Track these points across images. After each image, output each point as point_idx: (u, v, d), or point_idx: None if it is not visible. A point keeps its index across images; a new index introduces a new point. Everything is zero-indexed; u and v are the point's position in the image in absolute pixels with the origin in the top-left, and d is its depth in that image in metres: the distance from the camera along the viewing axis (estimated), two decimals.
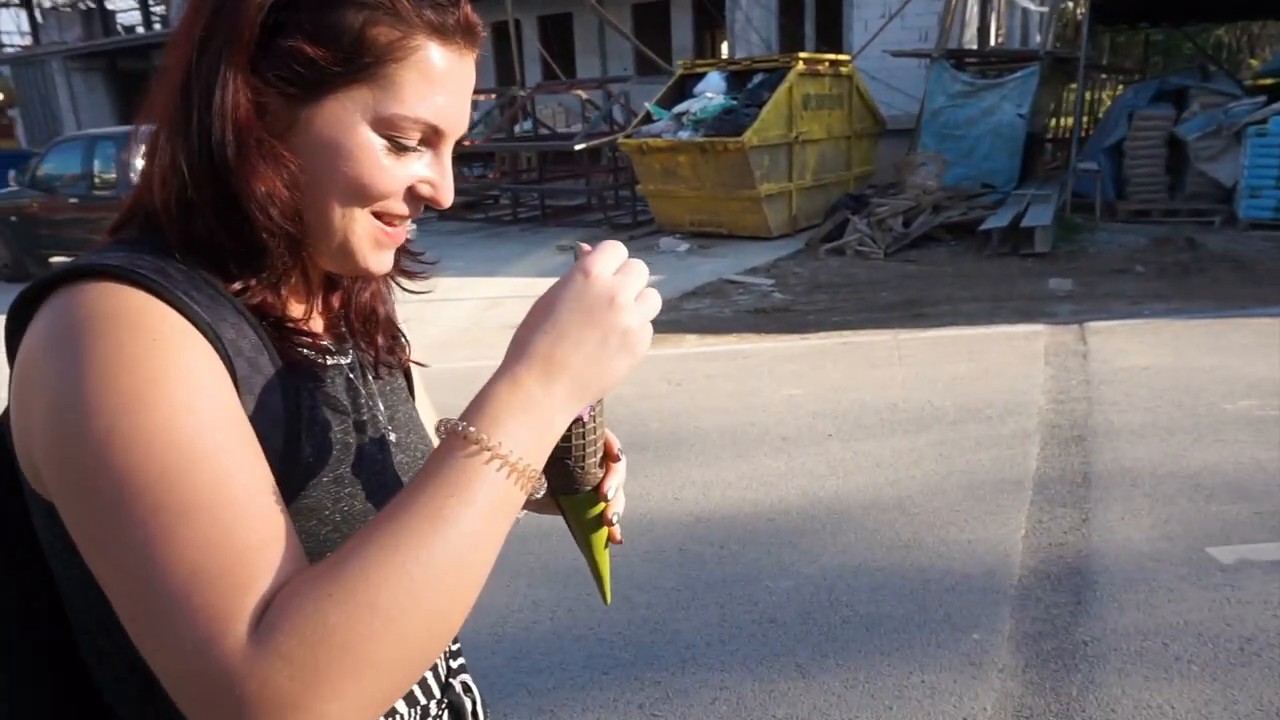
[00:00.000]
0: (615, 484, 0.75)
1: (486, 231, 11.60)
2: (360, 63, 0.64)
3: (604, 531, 0.74)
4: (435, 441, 0.75)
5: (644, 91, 12.54)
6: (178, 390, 0.56)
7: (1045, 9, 14.25)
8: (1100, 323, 5.89)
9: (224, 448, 0.57)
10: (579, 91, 13.36)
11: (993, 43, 14.70)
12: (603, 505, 0.73)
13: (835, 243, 8.98)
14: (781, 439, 4.14)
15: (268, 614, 0.53)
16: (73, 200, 8.86)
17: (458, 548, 0.56)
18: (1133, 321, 5.88)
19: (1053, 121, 14.16)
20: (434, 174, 0.70)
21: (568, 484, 0.70)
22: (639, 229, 10.61)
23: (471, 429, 0.59)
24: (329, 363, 0.73)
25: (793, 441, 4.10)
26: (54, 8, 27.20)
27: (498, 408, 0.60)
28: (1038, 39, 16.41)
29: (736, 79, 10.19)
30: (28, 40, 27.19)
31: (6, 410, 0.65)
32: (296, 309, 0.72)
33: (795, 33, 14.86)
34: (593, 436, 0.69)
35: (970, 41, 13.74)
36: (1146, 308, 6.25)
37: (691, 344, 6.05)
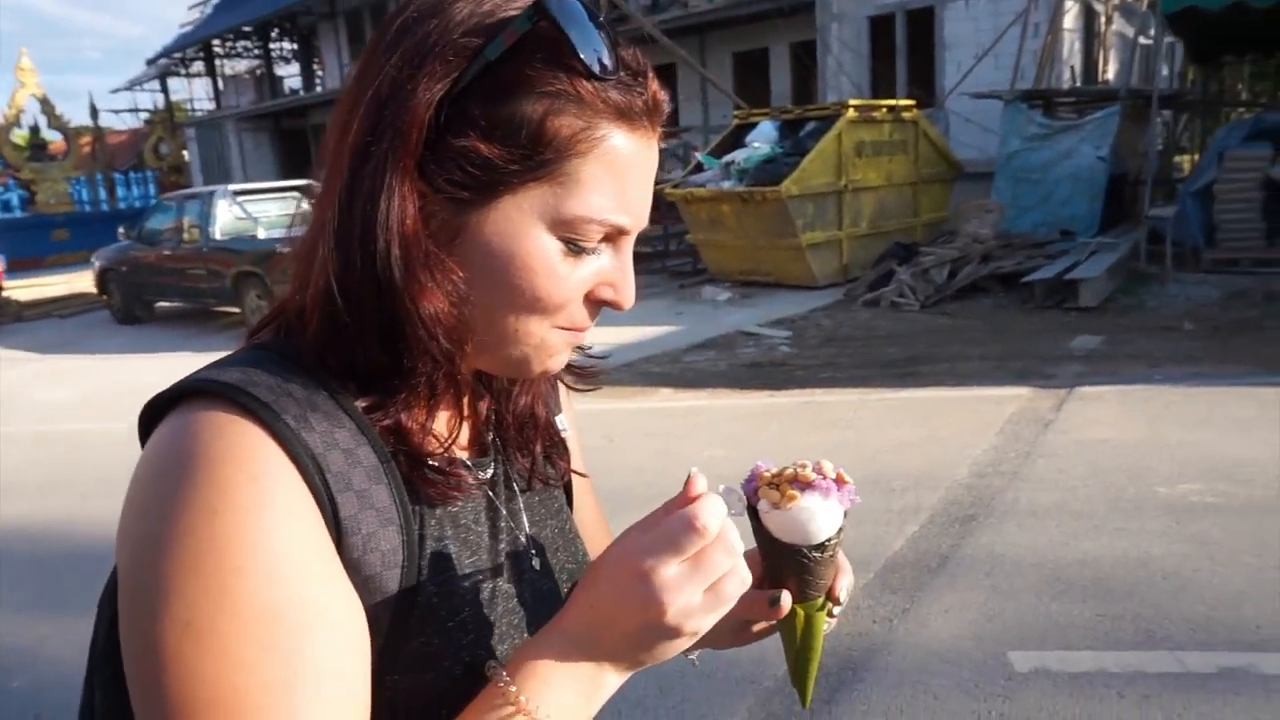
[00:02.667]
0: (846, 585, 0.69)
1: None
2: (539, 159, 0.57)
3: (822, 630, 0.70)
4: (591, 555, 0.79)
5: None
6: (261, 582, 0.52)
7: (1150, 41, 13.26)
8: (1097, 388, 5.41)
9: (305, 651, 0.52)
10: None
11: (1099, 80, 13.79)
12: (827, 607, 0.69)
13: (872, 294, 8.67)
14: (662, 497, 4.06)
15: None
16: (166, 252, 9.90)
17: None
18: (1134, 387, 5.37)
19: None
20: (614, 274, 0.63)
21: (807, 591, 0.67)
22: (692, 277, 10.64)
23: (513, 688, 0.56)
24: (466, 482, 0.65)
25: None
26: (233, 76, 30.44)
27: (546, 671, 0.56)
28: (1164, 72, 15.29)
29: (789, 128, 10.10)
30: (211, 105, 30.51)
31: None
32: (439, 421, 0.66)
33: (887, 76, 14.54)
34: (838, 549, 0.67)
35: (1071, 80, 12.97)
36: (1162, 371, 5.68)
37: (661, 398, 6.03)
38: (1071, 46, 13.07)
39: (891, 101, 10.48)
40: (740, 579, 0.56)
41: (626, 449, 4.93)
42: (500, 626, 0.65)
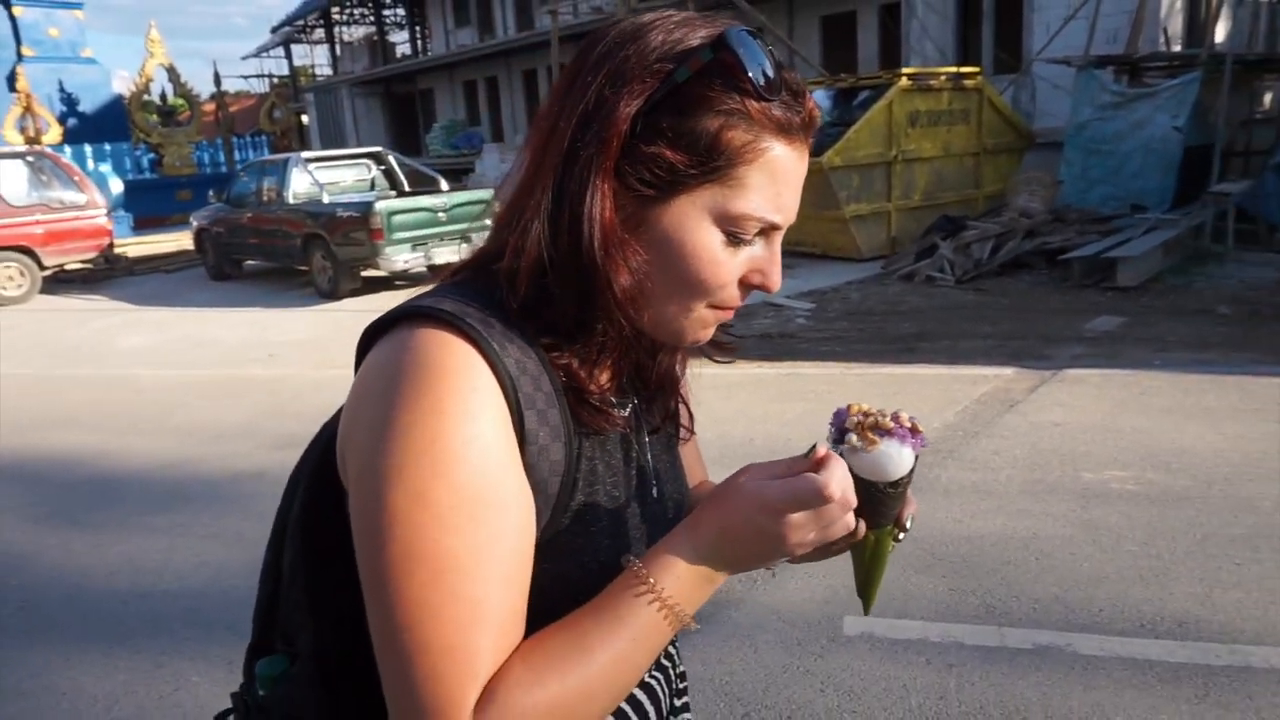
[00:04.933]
0: (911, 514, 0.79)
1: None
2: (713, 165, 0.68)
3: (889, 550, 0.80)
4: (691, 490, 0.95)
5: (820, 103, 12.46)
6: (473, 468, 0.64)
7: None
8: (1086, 371, 5.30)
9: (497, 526, 0.65)
10: None
11: (1206, 44, 12.83)
12: (895, 531, 0.79)
13: (907, 267, 8.56)
14: None
15: (488, 706, 0.63)
16: (249, 215, 10.69)
17: (616, 665, 0.67)
18: (1123, 372, 5.23)
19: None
20: (764, 262, 0.73)
21: (879, 520, 0.76)
22: None
23: (645, 572, 0.68)
24: (616, 418, 0.77)
25: None
26: (349, 42, 31.77)
27: (675, 565, 0.69)
28: None
29: (843, 97, 9.96)
30: (330, 71, 32.00)
31: (336, 416, 0.75)
32: (602, 368, 0.77)
33: (974, 40, 13.98)
34: (907, 485, 0.75)
35: (1165, 44, 12.15)
36: (1164, 357, 5.49)
37: None
38: (1172, 6, 12.24)
39: (952, 69, 10.16)
40: (846, 525, 0.68)
41: None
42: (627, 535, 0.78)
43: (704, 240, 0.69)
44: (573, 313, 0.71)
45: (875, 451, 0.71)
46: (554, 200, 0.69)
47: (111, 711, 2.62)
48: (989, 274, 8.23)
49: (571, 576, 0.72)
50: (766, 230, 0.72)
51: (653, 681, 0.87)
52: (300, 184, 10.22)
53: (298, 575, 0.78)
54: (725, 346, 0.88)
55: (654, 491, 0.83)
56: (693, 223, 0.69)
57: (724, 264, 0.71)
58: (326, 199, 9.97)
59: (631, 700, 0.84)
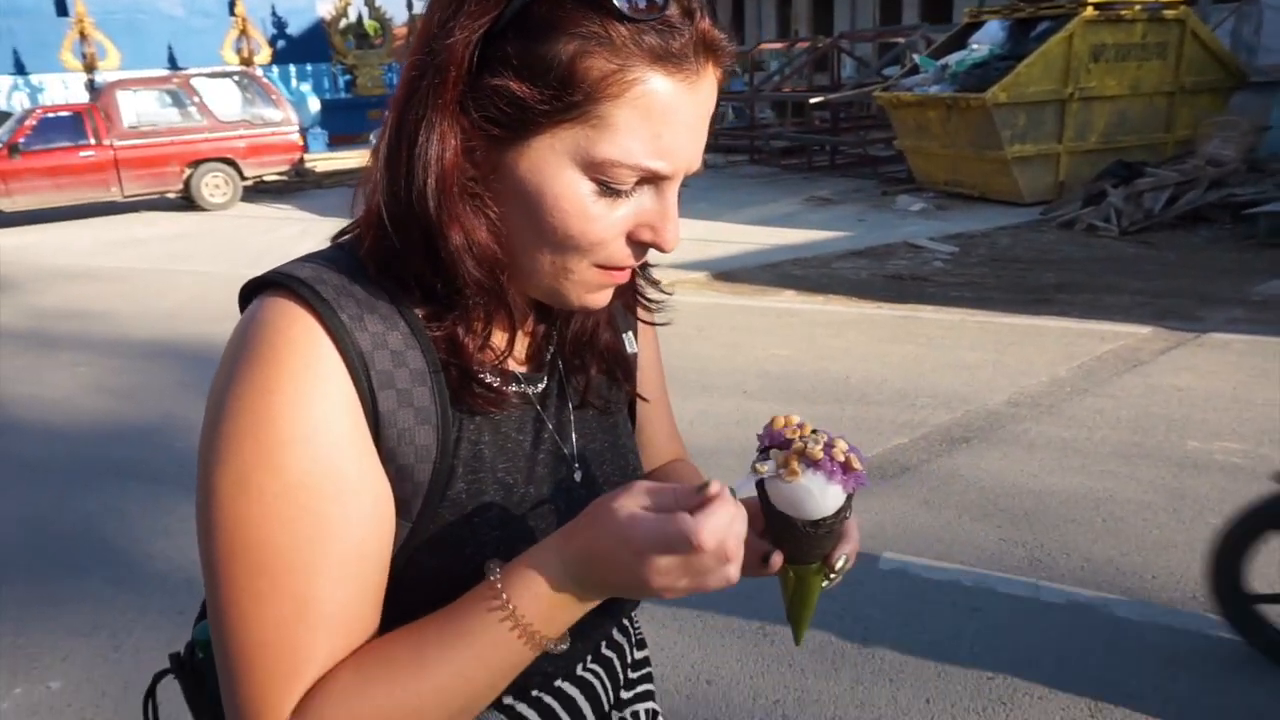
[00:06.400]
0: (844, 555, 0.70)
1: (768, 178, 12.07)
2: (569, 100, 0.57)
3: (818, 590, 0.71)
4: (648, 467, 0.86)
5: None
6: (303, 454, 0.59)
7: None
8: (1233, 336, 4.87)
9: (332, 517, 0.59)
10: (899, 39, 12.92)
11: None
12: (824, 572, 0.70)
13: (1069, 214, 8.00)
14: (702, 388, 4.46)
15: (305, 714, 0.58)
16: None
17: (455, 683, 0.60)
18: (1274, 339, 4.77)
19: None
20: (654, 216, 0.63)
21: (800, 557, 0.68)
22: (899, 185, 10.30)
23: (499, 586, 0.60)
24: (508, 398, 0.69)
25: (709, 390, 4.41)
26: None
27: (534, 581, 0.60)
28: None
29: (1020, 28, 9.26)
30: None
31: None
32: (496, 337, 0.69)
33: None
34: (839, 526, 0.66)
35: None
36: None
37: (780, 299, 6.26)
38: None
39: None
40: (725, 579, 0.58)
41: (703, 339, 5.31)
42: (524, 528, 0.69)
43: (568, 190, 0.60)
44: (423, 272, 0.63)
45: (794, 484, 0.62)
46: (390, 143, 0.62)
47: None
48: (1161, 226, 7.58)
49: (456, 572, 0.65)
50: (651, 179, 0.62)
51: (589, 675, 0.80)
52: None
53: None
54: (654, 306, 0.80)
55: (575, 476, 0.74)
56: (553, 169, 0.60)
57: (597, 218, 0.61)
58: None
59: (560, 695, 0.77)
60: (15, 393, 5.10)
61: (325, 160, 15.65)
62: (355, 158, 16.26)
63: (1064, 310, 5.55)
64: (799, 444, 0.63)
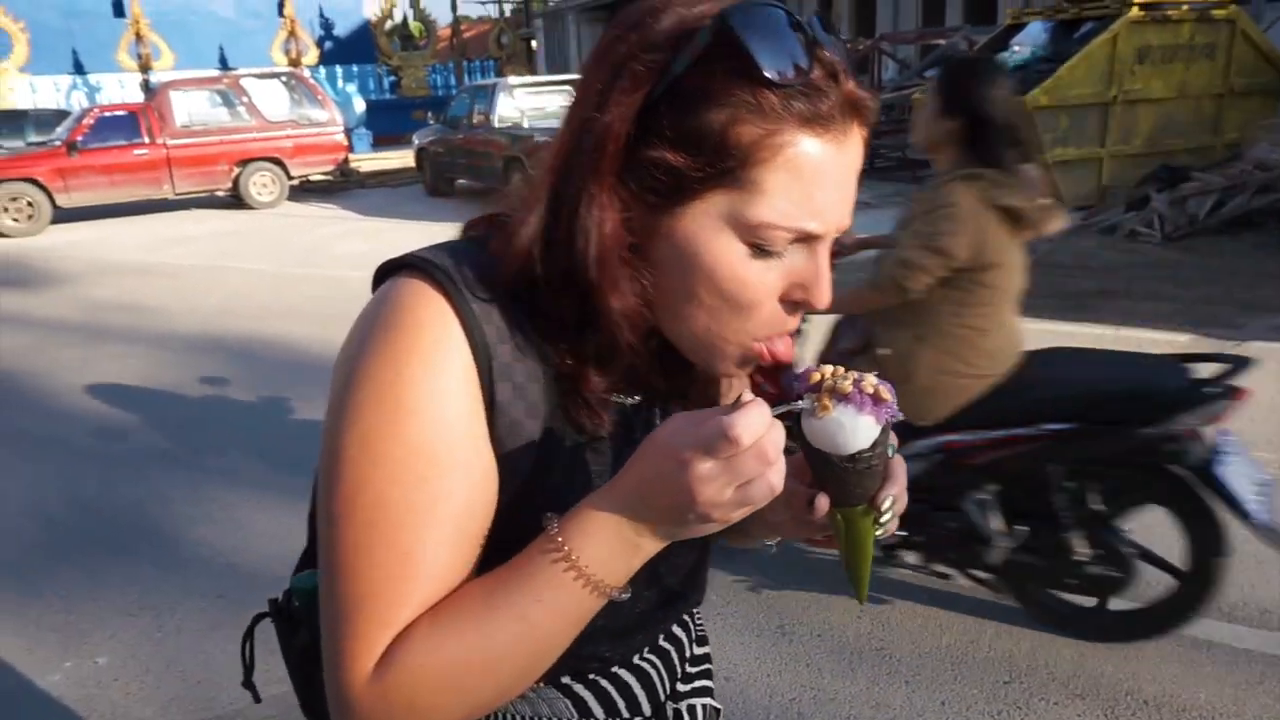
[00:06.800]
0: (890, 496, 0.68)
1: None
2: (723, 167, 0.60)
3: (869, 536, 0.70)
4: None
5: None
6: (424, 424, 0.63)
7: None
8: (1277, 345, 4.79)
9: (442, 485, 0.63)
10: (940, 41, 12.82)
11: None
12: (872, 514, 0.69)
13: (1111, 219, 7.89)
14: None
15: (388, 659, 0.62)
16: (461, 137, 11.52)
17: (524, 634, 0.62)
18: None
19: None
20: (807, 275, 0.65)
21: (844, 498, 0.68)
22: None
23: (559, 536, 0.62)
24: (603, 422, 0.71)
25: None
26: None
27: (592, 526, 0.62)
28: None
29: (1064, 29, 9.15)
30: None
31: None
32: (600, 373, 0.70)
33: None
34: (879, 462, 0.66)
35: None
36: None
37: None
38: None
39: None
40: (768, 485, 0.58)
41: None
42: None
43: (723, 253, 0.62)
44: (571, 321, 0.67)
45: (826, 418, 0.63)
46: (550, 210, 0.66)
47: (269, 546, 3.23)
48: (1205, 232, 7.44)
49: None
50: (804, 239, 0.64)
51: (645, 665, 0.83)
52: (506, 109, 10.89)
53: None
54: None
55: None
56: (708, 234, 0.62)
57: (749, 281, 0.63)
58: (527, 124, 10.56)
59: (616, 681, 0.80)
60: (69, 381, 5.31)
61: (369, 160, 15.95)
62: (398, 158, 16.54)
63: (1102, 317, 5.50)
64: (829, 382, 0.64)
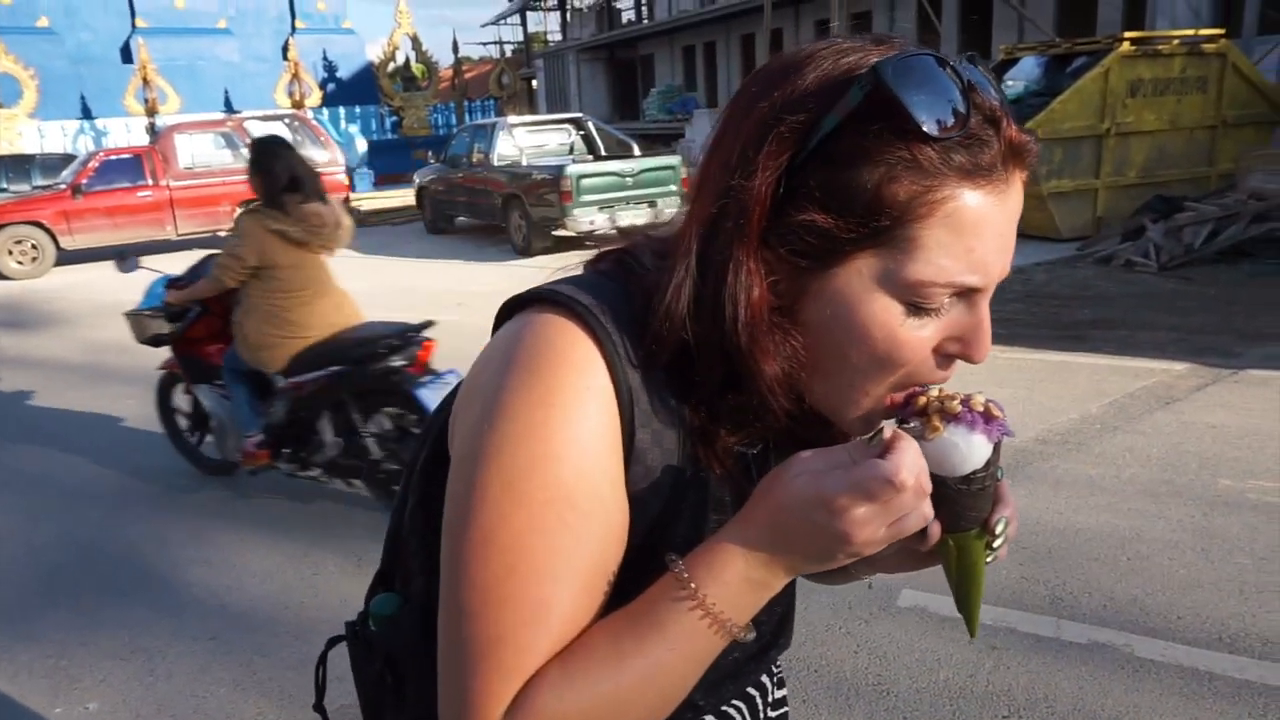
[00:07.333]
0: (1004, 518, 0.66)
1: None
2: (876, 226, 0.58)
3: (981, 561, 0.67)
4: None
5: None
6: (570, 469, 0.61)
7: None
8: (1273, 373, 4.78)
9: (582, 531, 0.61)
10: None
11: None
12: (985, 539, 0.66)
13: (1107, 250, 7.92)
14: None
15: (518, 707, 0.60)
16: (459, 175, 11.64)
17: (652, 675, 0.61)
18: None
19: None
20: (966, 329, 0.62)
21: (957, 523, 0.65)
22: None
23: (686, 575, 0.60)
24: (730, 470, 0.70)
25: None
26: (579, 9, 33.02)
27: (720, 567, 0.60)
28: None
29: (1057, 64, 9.26)
30: (558, 37, 33.48)
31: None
32: (735, 430, 0.69)
33: None
34: (991, 483, 0.64)
35: None
36: None
37: None
38: None
39: (1189, 31, 9.14)
40: (922, 516, 0.57)
41: None
42: None
43: (879, 315, 0.60)
44: (717, 386, 0.65)
45: (938, 440, 0.61)
46: (696, 276, 0.63)
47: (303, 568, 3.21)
48: (1201, 261, 7.47)
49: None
50: (963, 293, 0.61)
51: (731, 710, 0.83)
52: (505, 147, 11.00)
53: (415, 524, 0.77)
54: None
55: None
56: (861, 295, 0.60)
57: (904, 341, 0.61)
58: (525, 162, 10.67)
59: None
60: (69, 423, 5.31)
61: (371, 199, 16.10)
62: (400, 197, 16.69)
63: (1098, 347, 5.50)
64: (935, 403, 0.62)
